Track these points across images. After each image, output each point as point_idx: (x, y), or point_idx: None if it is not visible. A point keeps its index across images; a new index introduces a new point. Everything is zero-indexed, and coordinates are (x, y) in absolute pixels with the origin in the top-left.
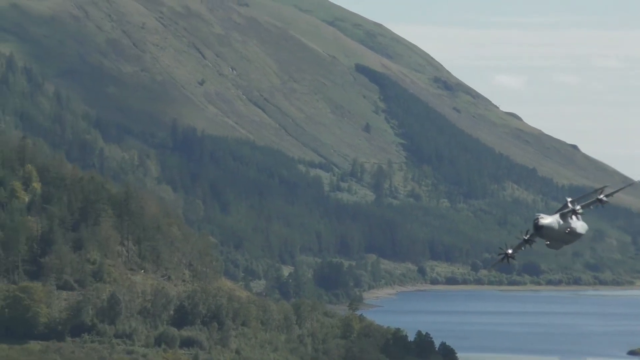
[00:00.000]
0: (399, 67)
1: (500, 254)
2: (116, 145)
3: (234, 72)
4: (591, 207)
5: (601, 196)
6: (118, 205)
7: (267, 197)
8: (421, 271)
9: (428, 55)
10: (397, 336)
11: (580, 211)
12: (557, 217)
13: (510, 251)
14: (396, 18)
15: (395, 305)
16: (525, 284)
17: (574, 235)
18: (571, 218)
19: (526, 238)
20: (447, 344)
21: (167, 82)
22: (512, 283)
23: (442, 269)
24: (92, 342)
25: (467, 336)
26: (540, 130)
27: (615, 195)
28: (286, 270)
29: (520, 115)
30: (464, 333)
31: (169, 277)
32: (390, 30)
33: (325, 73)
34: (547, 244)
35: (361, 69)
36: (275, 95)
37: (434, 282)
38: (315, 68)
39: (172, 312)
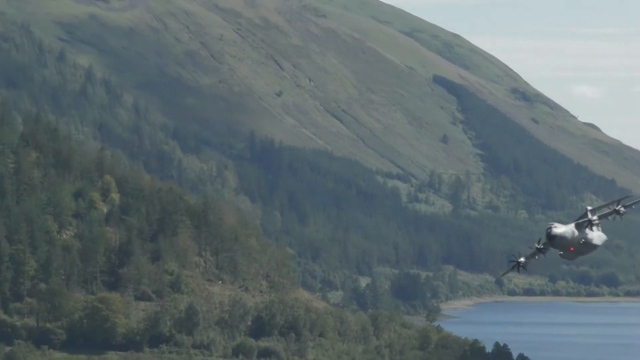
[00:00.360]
0: (477, 78)
1: (511, 262)
2: (194, 156)
3: (312, 83)
4: (608, 217)
5: (618, 207)
6: (196, 216)
7: (344, 208)
8: (499, 282)
9: (506, 66)
10: (475, 347)
11: (596, 222)
12: (571, 227)
13: (522, 259)
14: (474, 29)
15: (472, 316)
16: (603, 295)
17: (589, 246)
18: (590, 229)
19: (539, 247)
20: (524, 355)
21: (244, 93)
22: (590, 294)
23: (519, 280)
24: (170, 352)
25: (545, 347)
26: (619, 141)
27: None
28: (363, 282)
29: (598, 125)
30: (541, 344)
31: (247, 288)
32: (468, 41)
33: (402, 84)
34: (560, 254)
35: (439, 80)
36: (352, 106)
37: (512, 293)
38: (393, 79)
39: (249, 323)
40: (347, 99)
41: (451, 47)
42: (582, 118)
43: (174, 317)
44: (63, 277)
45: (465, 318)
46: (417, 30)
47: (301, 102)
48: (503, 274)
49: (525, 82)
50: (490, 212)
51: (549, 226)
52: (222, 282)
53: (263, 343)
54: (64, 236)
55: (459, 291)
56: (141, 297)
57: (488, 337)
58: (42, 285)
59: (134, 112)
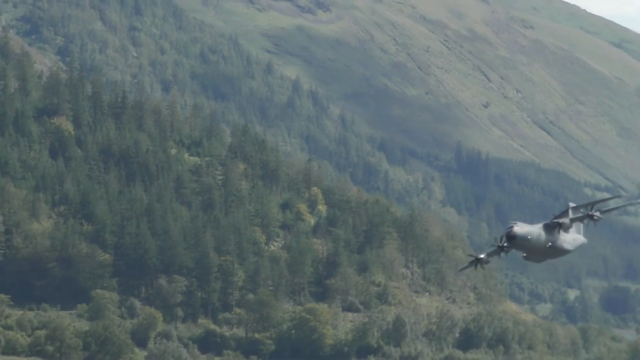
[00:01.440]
0: None
1: (470, 257)
2: (401, 167)
3: (519, 94)
4: (584, 221)
5: (593, 212)
6: (402, 228)
7: None
8: None
9: None
10: None
11: (567, 225)
12: (538, 227)
13: (482, 256)
14: None
15: None
16: None
17: (558, 250)
18: (559, 232)
19: (500, 245)
20: None
21: (451, 104)
22: None
23: None
24: None
25: None
26: None
27: None
28: (572, 294)
29: None
30: None
31: (454, 300)
32: None
33: (611, 95)
34: (523, 257)
35: None
36: (560, 117)
37: None
38: (601, 90)
39: (457, 335)
40: (554, 111)
41: None
42: None
43: (381, 329)
44: (271, 287)
45: None
46: (627, 41)
47: (508, 113)
48: (461, 270)
49: None
50: None
51: (510, 225)
52: (429, 294)
53: (471, 355)
54: (272, 247)
55: None
56: (349, 308)
57: None
58: (251, 296)
59: (340, 123)
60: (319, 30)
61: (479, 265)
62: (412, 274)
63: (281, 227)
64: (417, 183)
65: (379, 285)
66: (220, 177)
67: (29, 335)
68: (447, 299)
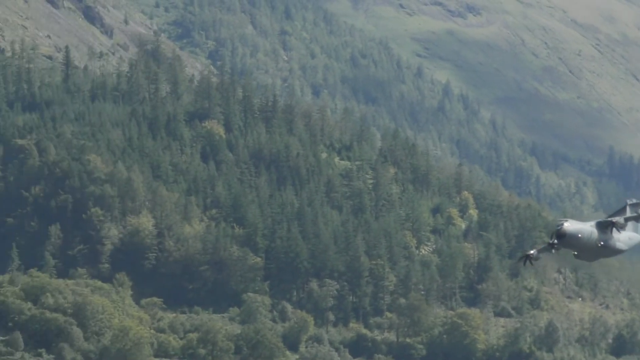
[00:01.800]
0: None
1: (521, 255)
2: (552, 172)
3: None
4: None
5: None
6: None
7: None
8: None
9: None
10: None
11: (621, 224)
12: (590, 225)
13: (532, 252)
14: None
15: None
16: None
17: (611, 250)
18: (611, 230)
19: (551, 242)
20: None
21: (603, 109)
22: None
23: None
24: None
25: None
26: None
27: None
28: None
29: None
30: None
31: (607, 306)
32: None
33: None
34: (574, 255)
35: None
36: None
37: None
38: None
39: (610, 341)
40: None
41: None
42: None
43: (533, 334)
44: (422, 292)
45: None
46: None
47: None
48: (513, 263)
49: None
50: None
51: (560, 223)
52: (581, 299)
53: None
54: (423, 251)
55: None
56: (500, 313)
57: None
58: (402, 300)
59: (491, 127)
60: (469, 34)
61: (528, 261)
62: (564, 279)
63: (432, 231)
64: (569, 188)
65: (531, 290)
66: (371, 182)
67: (181, 338)
68: (600, 304)
